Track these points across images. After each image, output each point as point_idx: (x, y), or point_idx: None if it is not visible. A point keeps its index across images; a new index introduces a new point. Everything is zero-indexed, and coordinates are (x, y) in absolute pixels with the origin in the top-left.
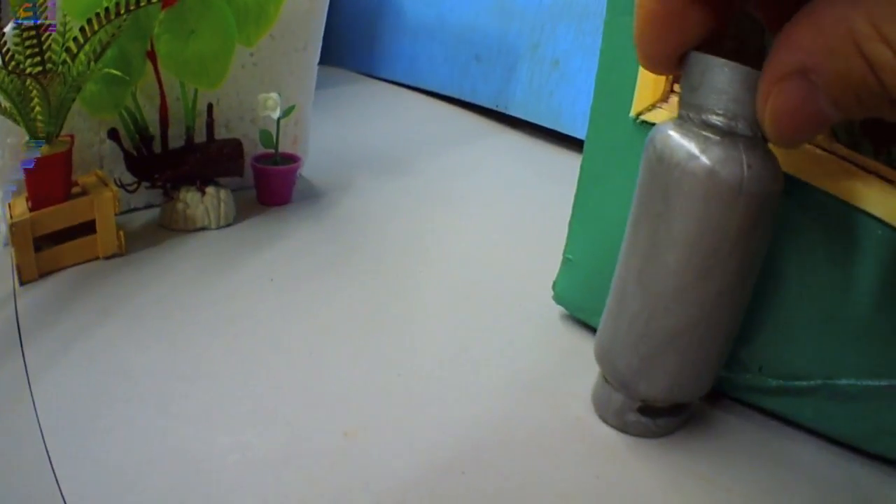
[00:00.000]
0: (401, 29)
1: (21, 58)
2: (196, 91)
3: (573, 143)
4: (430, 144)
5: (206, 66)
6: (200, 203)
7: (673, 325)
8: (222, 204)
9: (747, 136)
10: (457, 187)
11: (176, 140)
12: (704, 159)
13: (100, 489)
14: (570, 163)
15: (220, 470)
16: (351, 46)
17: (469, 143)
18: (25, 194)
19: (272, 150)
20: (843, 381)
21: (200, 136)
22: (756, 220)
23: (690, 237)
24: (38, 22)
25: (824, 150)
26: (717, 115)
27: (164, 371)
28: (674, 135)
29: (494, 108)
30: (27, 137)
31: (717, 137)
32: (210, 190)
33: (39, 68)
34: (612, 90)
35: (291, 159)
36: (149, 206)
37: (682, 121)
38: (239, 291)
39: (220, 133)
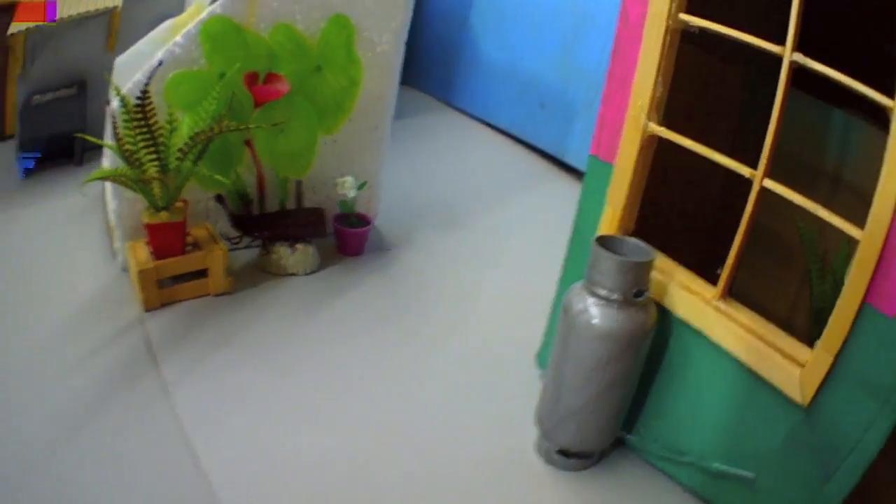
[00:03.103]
0: (476, 66)
1: (139, 155)
2: None
3: None
4: (491, 191)
5: (295, 159)
6: (291, 256)
7: (572, 405)
8: (309, 257)
9: (620, 301)
10: (508, 246)
11: (272, 202)
12: (588, 315)
13: (229, 468)
14: None
15: (297, 458)
16: (432, 74)
17: (527, 190)
18: (145, 239)
19: (350, 213)
20: (714, 464)
21: (292, 200)
22: (623, 351)
23: (579, 359)
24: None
25: (711, 306)
26: (602, 287)
27: (264, 392)
28: (576, 296)
29: (553, 154)
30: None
31: (602, 301)
32: (299, 246)
33: (157, 167)
34: (579, 253)
35: (365, 221)
36: (248, 247)
37: (584, 285)
38: (319, 336)
39: (308, 195)
